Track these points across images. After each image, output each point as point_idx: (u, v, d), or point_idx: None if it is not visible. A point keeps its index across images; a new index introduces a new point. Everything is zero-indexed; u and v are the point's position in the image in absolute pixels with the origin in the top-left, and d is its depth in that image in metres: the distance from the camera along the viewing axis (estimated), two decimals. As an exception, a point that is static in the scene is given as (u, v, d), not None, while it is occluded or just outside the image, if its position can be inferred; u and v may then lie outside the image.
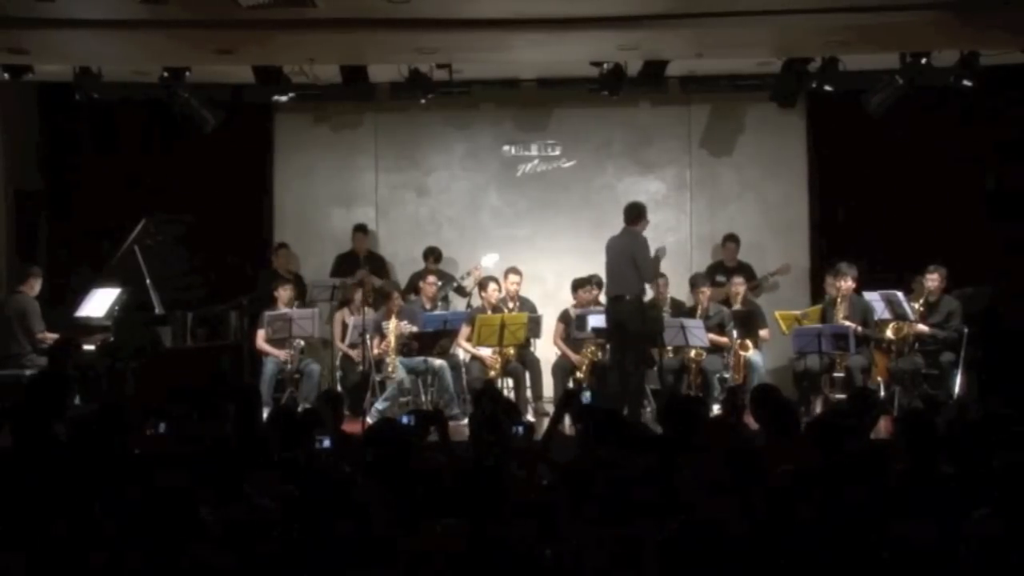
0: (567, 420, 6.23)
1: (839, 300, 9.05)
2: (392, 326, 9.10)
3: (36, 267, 8.98)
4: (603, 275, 8.89)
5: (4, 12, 7.63)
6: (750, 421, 5.74)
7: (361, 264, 10.22)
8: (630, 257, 8.42)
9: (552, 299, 9.76)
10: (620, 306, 8.42)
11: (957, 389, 8.75)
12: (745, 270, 10.14)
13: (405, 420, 5.61)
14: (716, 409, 8.23)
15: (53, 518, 3.82)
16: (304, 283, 10.11)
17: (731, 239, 10.35)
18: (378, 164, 10.89)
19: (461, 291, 10.23)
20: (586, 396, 6.09)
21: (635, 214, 8.61)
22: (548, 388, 9.45)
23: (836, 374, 8.92)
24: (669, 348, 9.23)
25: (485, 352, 9.25)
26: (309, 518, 3.74)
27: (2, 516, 3.91)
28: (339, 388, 9.49)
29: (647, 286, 8.78)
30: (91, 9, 7.54)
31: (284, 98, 9.77)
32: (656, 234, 10.54)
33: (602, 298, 9.13)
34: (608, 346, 8.85)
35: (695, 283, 9.64)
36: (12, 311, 8.51)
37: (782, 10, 7.57)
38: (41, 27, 7.86)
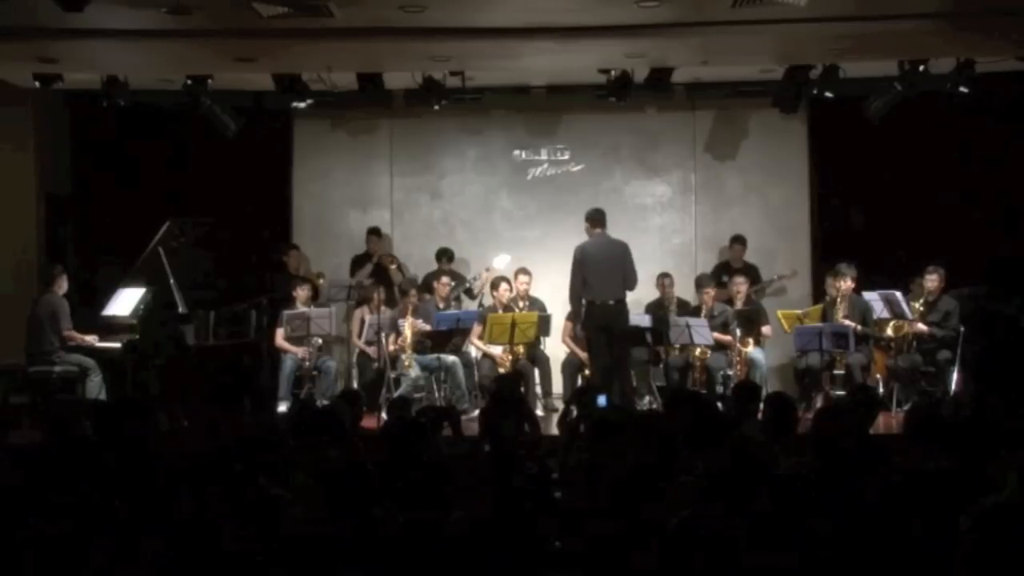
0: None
1: (839, 300, 9.22)
2: (409, 323, 9.32)
3: (59, 266, 9.10)
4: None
5: (34, 23, 7.81)
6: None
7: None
8: (623, 264, 8.65)
9: (561, 298, 9.71)
10: (608, 310, 8.57)
11: (953, 386, 8.91)
12: (751, 271, 10.27)
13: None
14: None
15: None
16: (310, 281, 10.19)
17: (738, 240, 10.44)
18: (393, 168, 11.06)
19: (470, 293, 10.39)
20: (601, 400, 6.23)
21: (604, 217, 8.85)
22: (557, 384, 9.63)
23: (836, 371, 9.05)
24: (675, 346, 9.48)
25: (496, 350, 9.43)
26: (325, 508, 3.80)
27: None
28: (355, 385, 9.75)
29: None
30: (118, 19, 7.66)
31: (303, 105, 9.86)
32: (662, 236, 10.90)
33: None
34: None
35: (700, 284, 9.78)
36: (43, 311, 8.63)
37: (784, 19, 7.67)
38: (70, 37, 8.04)
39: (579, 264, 8.66)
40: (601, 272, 8.61)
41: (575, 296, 8.77)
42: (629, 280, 8.72)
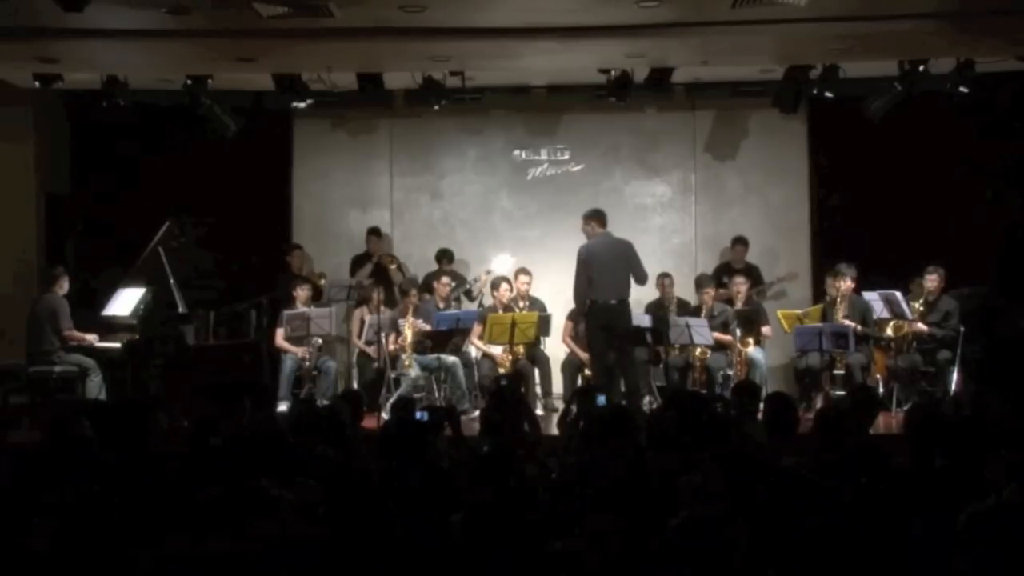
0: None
1: (839, 300, 9.24)
2: (409, 323, 9.34)
3: (60, 267, 9.13)
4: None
5: (35, 23, 7.81)
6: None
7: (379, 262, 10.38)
8: (627, 262, 8.65)
9: (562, 298, 9.72)
10: (610, 309, 8.57)
11: (953, 386, 8.91)
12: (752, 272, 10.27)
13: (419, 415, 5.86)
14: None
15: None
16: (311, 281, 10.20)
17: (740, 241, 10.44)
18: (393, 168, 11.08)
19: (469, 295, 10.41)
20: (601, 399, 6.22)
21: (605, 217, 8.86)
22: (557, 384, 9.63)
23: (836, 371, 9.05)
24: (675, 346, 9.48)
25: (496, 350, 9.44)
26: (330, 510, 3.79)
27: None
28: (355, 385, 9.77)
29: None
30: (118, 19, 7.65)
31: (303, 105, 9.84)
32: (662, 236, 10.91)
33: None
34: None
35: (700, 284, 9.79)
36: (43, 310, 8.65)
37: (784, 19, 7.68)
38: (70, 37, 8.03)
39: (584, 264, 8.65)
40: (605, 272, 8.60)
41: (580, 296, 8.76)
42: (639, 276, 8.72)
